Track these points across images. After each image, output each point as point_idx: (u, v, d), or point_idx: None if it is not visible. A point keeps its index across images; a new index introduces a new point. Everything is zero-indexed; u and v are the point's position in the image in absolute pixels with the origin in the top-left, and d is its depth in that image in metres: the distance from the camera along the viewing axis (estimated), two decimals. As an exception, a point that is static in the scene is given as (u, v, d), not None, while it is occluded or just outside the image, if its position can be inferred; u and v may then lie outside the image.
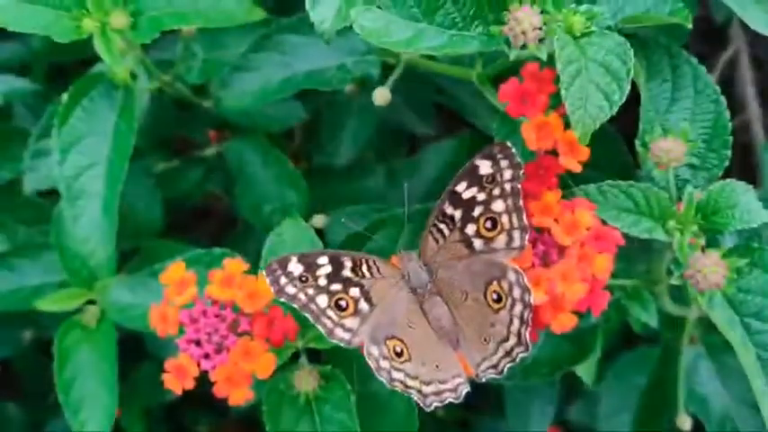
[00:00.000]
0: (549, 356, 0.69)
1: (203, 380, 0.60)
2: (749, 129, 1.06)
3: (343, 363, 0.67)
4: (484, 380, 0.58)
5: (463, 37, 0.57)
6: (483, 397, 1.13)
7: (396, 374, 0.57)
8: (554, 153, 0.59)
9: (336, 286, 0.58)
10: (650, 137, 0.59)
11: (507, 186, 0.57)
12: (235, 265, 0.61)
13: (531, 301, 0.55)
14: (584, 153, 0.57)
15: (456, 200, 0.58)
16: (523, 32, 0.54)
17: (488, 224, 0.57)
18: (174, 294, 0.60)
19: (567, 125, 0.57)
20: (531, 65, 0.59)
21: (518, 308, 0.56)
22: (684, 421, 0.79)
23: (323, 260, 0.58)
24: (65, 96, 0.70)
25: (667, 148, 0.58)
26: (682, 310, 0.79)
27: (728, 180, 0.59)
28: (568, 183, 0.63)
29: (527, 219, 0.56)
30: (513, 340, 0.57)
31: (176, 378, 0.60)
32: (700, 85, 0.62)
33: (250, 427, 1.14)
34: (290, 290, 0.57)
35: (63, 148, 0.69)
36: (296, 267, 0.57)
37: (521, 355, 0.57)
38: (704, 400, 0.82)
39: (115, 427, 1.01)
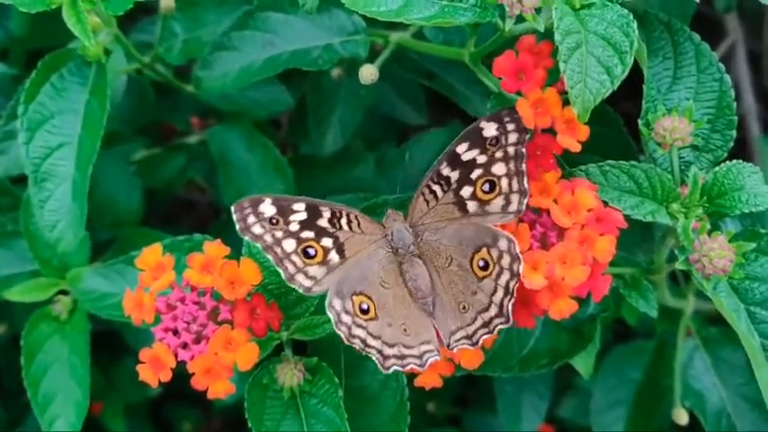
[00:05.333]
0: (547, 348, 0.66)
1: (187, 375, 0.56)
2: (745, 122, 1.04)
3: (329, 355, 0.64)
4: (455, 350, 0.55)
5: (455, 8, 0.54)
6: (474, 392, 1.10)
7: (356, 331, 0.55)
8: (551, 132, 0.55)
9: (308, 233, 0.55)
10: (653, 116, 0.56)
11: (511, 150, 0.55)
12: (215, 248, 0.57)
13: (520, 270, 0.53)
14: (584, 132, 0.54)
15: (455, 161, 0.56)
16: (520, 0, 0.51)
17: (486, 187, 0.55)
18: (150, 279, 0.56)
19: (565, 103, 0.54)
20: (527, 38, 0.56)
21: (504, 277, 0.54)
22: (681, 415, 0.77)
23: (299, 206, 0.56)
24: (32, 73, 0.66)
25: (671, 127, 0.55)
26: (678, 303, 0.76)
27: (735, 162, 0.56)
28: (564, 167, 0.60)
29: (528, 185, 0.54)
30: (493, 310, 0.54)
31: (152, 370, 0.56)
32: (703, 64, 0.59)
33: (236, 423, 1.11)
34: (257, 230, 0.55)
35: (30, 127, 0.65)
36: (268, 209, 0.55)
37: (499, 327, 0.54)
38: (700, 395, 0.80)
39: (96, 424, 0.98)
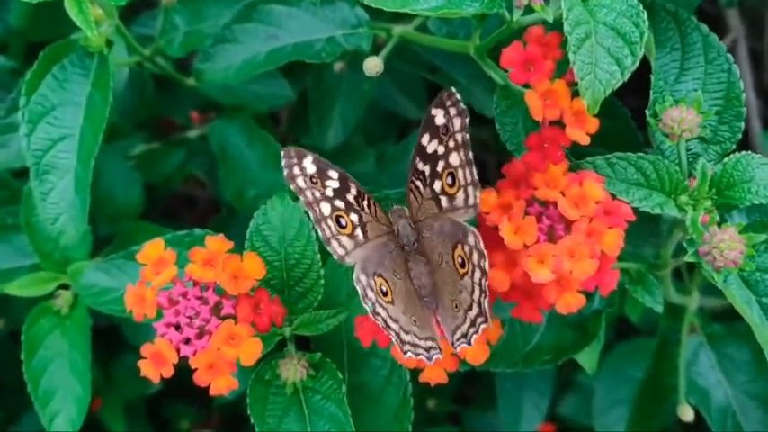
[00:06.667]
0: (551, 343, 0.65)
1: (185, 372, 0.55)
2: (747, 119, 1.03)
3: (333, 351, 0.63)
4: (458, 349, 0.55)
5: (463, -2, 0.53)
6: (474, 389, 1.10)
7: (379, 309, 0.54)
8: (560, 124, 0.55)
9: (340, 203, 0.55)
10: (661, 107, 0.55)
11: (459, 137, 0.53)
12: (218, 243, 0.56)
13: (487, 267, 0.52)
14: (593, 124, 0.53)
15: (423, 154, 0.55)
16: (529, -10, 0.50)
17: (449, 180, 0.54)
18: (152, 274, 0.56)
19: (574, 94, 0.53)
20: (535, 29, 0.55)
21: (477, 274, 0.53)
22: (686, 412, 0.76)
23: (333, 174, 0.55)
24: (34, 64, 0.65)
25: (679, 118, 0.54)
26: (682, 299, 0.75)
27: (743, 153, 0.55)
28: (571, 160, 0.59)
29: (477, 174, 0.53)
30: (475, 309, 0.53)
31: (153, 365, 0.55)
32: (711, 54, 0.59)
33: (235, 420, 1.10)
34: (301, 183, 0.54)
35: (31, 119, 0.64)
36: (310, 166, 0.54)
37: (482, 326, 0.53)
38: (705, 392, 0.79)
39: (95, 421, 0.97)
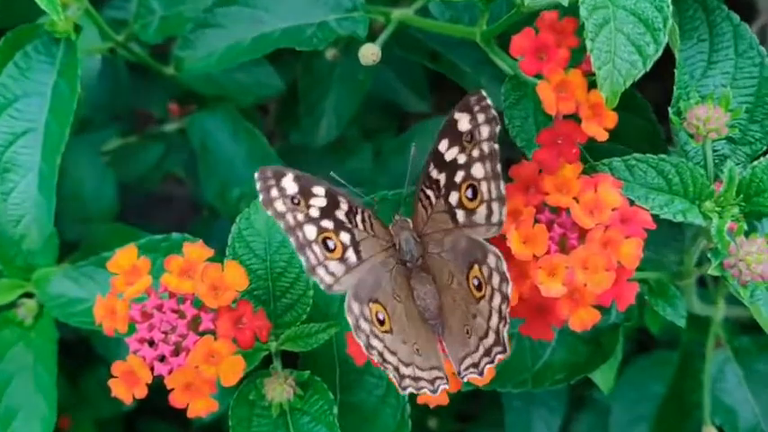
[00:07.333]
0: (563, 361, 0.65)
1: (163, 387, 0.55)
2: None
3: (323, 368, 0.63)
4: (465, 379, 0.54)
5: (470, -21, 0.53)
6: (479, 405, 1.09)
7: (374, 342, 0.53)
8: (575, 118, 0.54)
9: (327, 224, 0.53)
10: (686, 104, 0.54)
11: (485, 147, 0.52)
12: (196, 251, 0.56)
13: (510, 292, 0.51)
14: (612, 118, 0.53)
15: (440, 161, 0.53)
16: (541, -28, 0.50)
17: (469, 193, 0.53)
18: (124, 285, 0.55)
19: (591, 86, 0.53)
20: (548, 14, 0.55)
21: (497, 300, 0.52)
22: (711, 434, 0.75)
23: (319, 191, 0.53)
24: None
25: (705, 117, 0.53)
26: (707, 309, 0.75)
27: (775, 156, 0.54)
28: (586, 158, 0.58)
29: (504, 188, 0.52)
30: (491, 337, 0.52)
31: (125, 384, 0.54)
32: (742, 46, 0.58)
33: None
34: (280, 206, 0.52)
35: (-9, 112, 0.64)
36: (291, 185, 0.53)
37: (498, 357, 0.53)
38: (731, 411, 0.79)
39: (64, 441, 0.96)
